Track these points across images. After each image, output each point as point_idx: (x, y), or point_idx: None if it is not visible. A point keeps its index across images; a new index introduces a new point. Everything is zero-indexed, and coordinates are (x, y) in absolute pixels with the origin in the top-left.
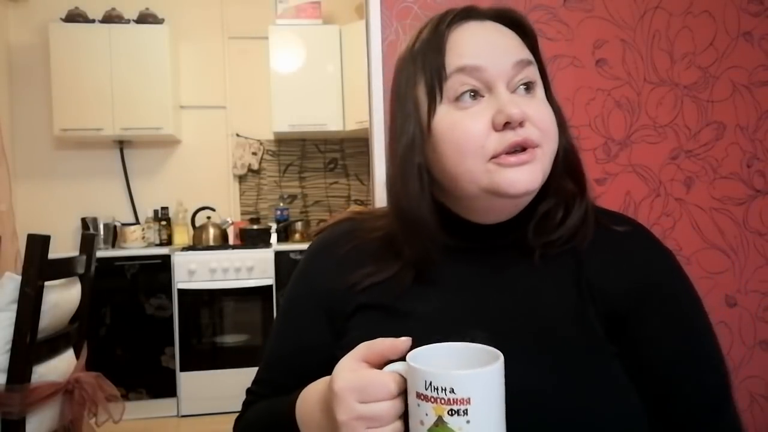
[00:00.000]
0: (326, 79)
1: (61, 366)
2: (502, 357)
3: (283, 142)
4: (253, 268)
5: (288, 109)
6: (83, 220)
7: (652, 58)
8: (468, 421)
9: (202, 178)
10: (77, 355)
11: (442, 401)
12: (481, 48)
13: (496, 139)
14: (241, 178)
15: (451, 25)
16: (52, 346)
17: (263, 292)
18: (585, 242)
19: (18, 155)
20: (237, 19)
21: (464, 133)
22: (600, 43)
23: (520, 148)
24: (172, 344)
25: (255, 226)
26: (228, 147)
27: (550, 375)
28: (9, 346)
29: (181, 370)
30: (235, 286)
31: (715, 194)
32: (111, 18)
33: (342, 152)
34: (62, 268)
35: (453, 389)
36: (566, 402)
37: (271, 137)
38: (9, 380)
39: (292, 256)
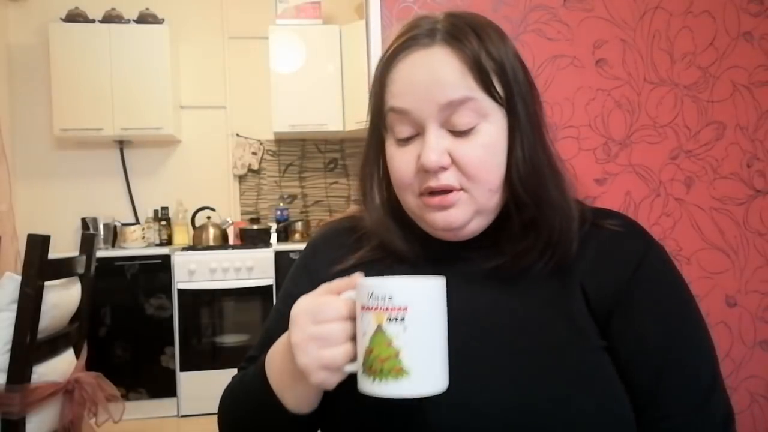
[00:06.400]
0: (326, 79)
1: (61, 366)
2: (444, 279)
3: (283, 142)
4: (253, 268)
5: (288, 109)
6: (83, 220)
7: (652, 58)
8: (405, 329)
9: (202, 178)
10: (77, 355)
11: (382, 309)
12: (410, 89)
13: (419, 180)
14: (241, 178)
15: (397, 55)
16: (52, 346)
17: (263, 292)
18: (569, 254)
19: (18, 155)
20: (237, 19)
21: (397, 170)
22: (600, 43)
23: (441, 190)
24: (172, 344)
25: (255, 226)
26: (228, 147)
27: (539, 372)
28: (9, 346)
29: (181, 370)
30: (235, 286)
31: (715, 194)
32: (111, 18)
33: (342, 152)
34: (62, 268)
35: (391, 297)
36: (554, 400)
37: (271, 137)
38: (9, 380)
39: (292, 256)
